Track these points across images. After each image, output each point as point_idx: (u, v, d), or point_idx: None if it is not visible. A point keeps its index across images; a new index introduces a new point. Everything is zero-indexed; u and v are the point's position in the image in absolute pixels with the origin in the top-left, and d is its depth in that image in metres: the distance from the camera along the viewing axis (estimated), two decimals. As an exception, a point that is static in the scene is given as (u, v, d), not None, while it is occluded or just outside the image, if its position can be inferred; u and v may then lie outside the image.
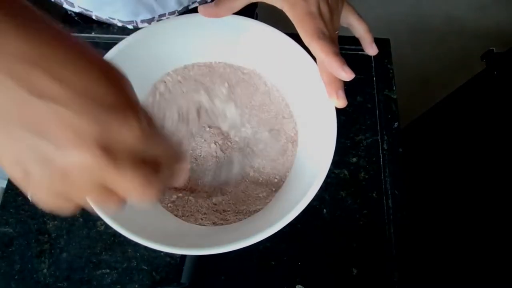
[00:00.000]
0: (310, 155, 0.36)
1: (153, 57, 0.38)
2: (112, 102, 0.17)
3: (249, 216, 0.36)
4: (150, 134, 0.19)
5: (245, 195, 0.38)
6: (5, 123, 0.16)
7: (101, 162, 0.17)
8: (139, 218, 0.33)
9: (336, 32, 0.32)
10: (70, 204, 0.19)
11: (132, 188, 0.18)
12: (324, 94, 0.32)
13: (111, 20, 0.49)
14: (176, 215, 0.36)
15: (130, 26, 0.49)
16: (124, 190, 0.19)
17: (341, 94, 0.31)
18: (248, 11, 0.35)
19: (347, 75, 0.29)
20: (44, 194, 0.18)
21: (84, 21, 0.52)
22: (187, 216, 0.36)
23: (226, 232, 0.35)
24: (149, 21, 0.47)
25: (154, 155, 0.19)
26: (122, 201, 0.19)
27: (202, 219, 0.36)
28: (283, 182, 0.38)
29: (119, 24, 0.49)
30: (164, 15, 0.47)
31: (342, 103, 0.31)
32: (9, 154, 0.17)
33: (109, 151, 0.17)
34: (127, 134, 0.17)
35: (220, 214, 0.37)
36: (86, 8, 0.47)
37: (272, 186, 0.38)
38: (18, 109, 0.16)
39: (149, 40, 0.36)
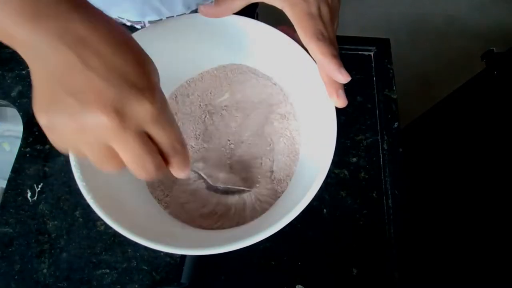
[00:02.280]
0: (310, 155, 0.36)
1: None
2: (135, 81, 0.21)
3: (249, 216, 0.36)
4: (162, 116, 0.22)
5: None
6: (50, 79, 0.20)
7: (112, 124, 0.20)
8: (139, 218, 0.33)
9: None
10: (79, 153, 0.23)
11: (130, 157, 0.22)
12: (324, 94, 0.32)
13: (120, 19, 0.49)
14: (175, 218, 0.36)
15: (138, 26, 0.49)
16: (123, 156, 0.22)
17: (342, 94, 0.31)
18: (248, 11, 0.35)
19: (344, 77, 0.29)
20: (60, 140, 0.22)
21: None
22: (188, 219, 0.36)
23: (226, 232, 0.35)
24: (157, 22, 0.47)
25: (158, 140, 0.23)
26: (119, 165, 0.23)
27: (202, 220, 0.36)
28: (287, 183, 0.38)
29: (128, 24, 0.49)
30: (172, 17, 0.47)
31: (342, 102, 0.31)
32: (41, 102, 0.21)
33: (121, 117, 0.20)
34: (140, 109, 0.21)
35: (220, 216, 0.36)
36: None
37: (274, 187, 0.38)
38: (64, 71, 0.20)
39: (146, 41, 0.36)
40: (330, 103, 0.32)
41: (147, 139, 0.22)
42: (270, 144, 0.40)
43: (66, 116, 0.20)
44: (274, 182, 0.38)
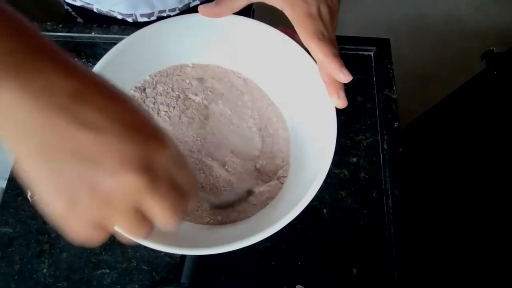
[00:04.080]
0: (310, 155, 0.36)
1: (148, 57, 0.38)
2: (145, 129, 0.19)
3: (248, 215, 0.36)
4: (178, 156, 0.21)
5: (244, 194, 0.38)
6: (51, 156, 0.17)
7: (143, 182, 0.18)
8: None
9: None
10: (103, 233, 0.20)
11: (164, 210, 0.20)
12: (324, 94, 0.32)
13: (111, 12, 0.49)
14: None
15: (129, 19, 0.49)
16: (157, 212, 0.20)
17: (342, 94, 0.31)
18: (244, 8, 0.35)
19: (345, 77, 0.30)
20: (80, 223, 0.19)
21: (84, 18, 0.52)
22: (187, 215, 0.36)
23: (226, 232, 0.35)
24: (149, 15, 0.47)
25: (181, 180, 0.21)
26: (151, 227, 0.21)
27: (201, 218, 0.36)
28: (282, 182, 0.38)
29: (119, 17, 0.49)
30: (164, 11, 0.47)
31: (342, 103, 0.31)
32: (55, 186, 0.18)
33: (150, 172, 0.18)
34: (164, 156, 0.19)
35: (219, 214, 0.37)
36: (87, 1, 0.47)
37: (272, 186, 0.38)
38: (64, 140, 0.17)
39: (145, 40, 0.36)
40: (330, 103, 0.32)
41: (174, 187, 0.21)
42: (267, 143, 0.40)
43: (86, 188, 0.18)
44: (273, 181, 0.38)
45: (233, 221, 0.36)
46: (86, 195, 0.18)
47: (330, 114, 0.32)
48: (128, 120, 0.19)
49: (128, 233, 0.21)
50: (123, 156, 0.18)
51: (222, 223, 0.36)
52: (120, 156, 0.18)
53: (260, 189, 0.38)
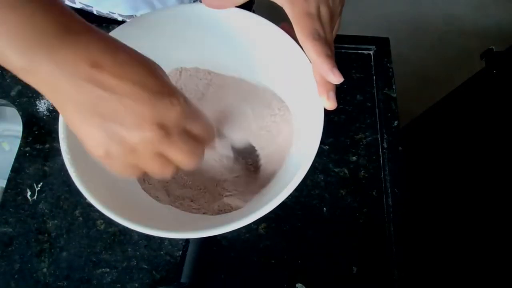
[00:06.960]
0: (298, 150, 0.36)
1: (146, 49, 0.38)
2: (157, 90, 0.23)
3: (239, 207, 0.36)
4: (189, 110, 0.24)
5: (236, 187, 0.38)
6: (88, 116, 0.22)
7: (158, 136, 0.23)
8: (136, 208, 0.33)
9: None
10: (139, 171, 0.25)
11: (182, 155, 0.24)
12: (315, 94, 0.32)
13: (111, 14, 0.48)
14: (169, 204, 0.37)
15: None
16: (176, 157, 0.24)
17: (332, 95, 0.31)
18: (245, 8, 0.35)
19: (336, 78, 0.29)
20: (120, 166, 0.24)
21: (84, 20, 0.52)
22: (181, 204, 0.37)
23: (217, 219, 0.35)
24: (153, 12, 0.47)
25: (195, 130, 0.25)
26: (175, 168, 0.25)
27: (194, 208, 0.36)
28: (275, 175, 0.38)
29: (120, 19, 0.49)
30: (171, 6, 0.47)
31: (331, 104, 0.31)
32: (93, 139, 0.23)
33: (163, 127, 0.23)
34: (173, 113, 0.23)
35: (210, 203, 0.37)
36: (87, 3, 0.47)
37: (265, 179, 0.38)
38: (96, 103, 0.22)
39: (141, 30, 0.36)
40: (320, 104, 0.32)
41: (188, 133, 0.24)
42: (261, 138, 0.40)
43: (116, 142, 0.22)
44: (266, 174, 0.38)
45: (228, 211, 0.36)
46: (117, 148, 0.23)
47: (318, 113, 0.32)
48: (143, 82, 0.22)
49: (156, 176, 0.25)
50: (140, 116, 0.22)
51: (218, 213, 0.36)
52: (136, 115, 0.22)
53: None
